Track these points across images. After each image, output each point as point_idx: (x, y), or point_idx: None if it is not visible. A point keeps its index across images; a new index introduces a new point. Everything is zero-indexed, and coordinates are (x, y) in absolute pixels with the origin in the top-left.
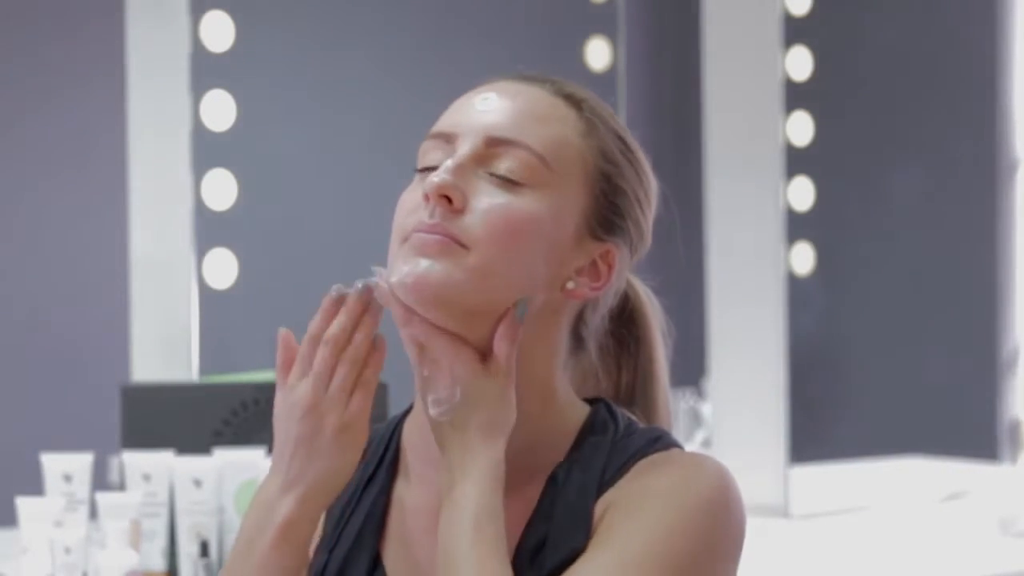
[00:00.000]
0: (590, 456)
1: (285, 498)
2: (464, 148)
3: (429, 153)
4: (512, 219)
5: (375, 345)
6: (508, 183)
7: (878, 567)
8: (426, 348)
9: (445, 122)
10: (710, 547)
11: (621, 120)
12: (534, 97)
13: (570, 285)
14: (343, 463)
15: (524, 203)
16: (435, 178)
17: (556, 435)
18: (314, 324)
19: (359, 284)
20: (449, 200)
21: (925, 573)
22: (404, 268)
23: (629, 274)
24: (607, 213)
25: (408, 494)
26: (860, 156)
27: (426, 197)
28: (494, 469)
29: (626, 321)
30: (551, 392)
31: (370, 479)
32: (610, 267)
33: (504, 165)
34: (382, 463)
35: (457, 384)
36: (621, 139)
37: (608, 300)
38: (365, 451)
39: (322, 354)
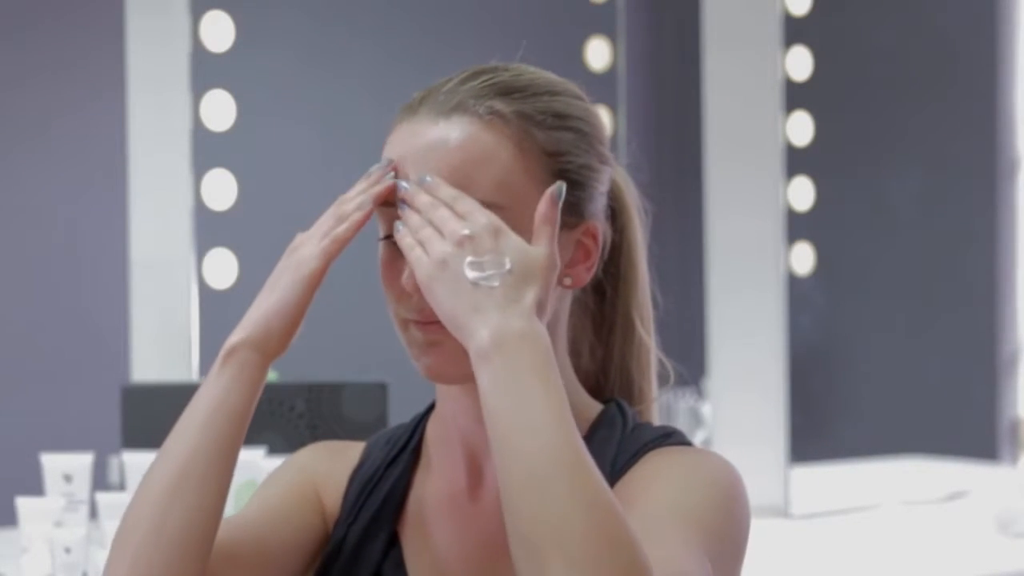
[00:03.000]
0: (600, 450)
1: (235, 333)
2: None
3: (387, 222)
4: None
5: (359, 206)
6: None
7: (878, 567)
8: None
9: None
10: (727, 512)
11: (543, 79)
12: (464, 139)
13: (567, 281)
14: (282, 301)
15: None
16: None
17: None
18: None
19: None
20: None
21: (925, 573)
22: (420, 362)
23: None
24: (570, 200)
25: (428, 483)
26: (860, 156)
27: (408, 294)
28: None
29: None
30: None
31: (391, 463)
32: (595, 238)
33: None
34: (404, 449)
35: (507, 254)
36: (552, 114)
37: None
38: (389, 439)
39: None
